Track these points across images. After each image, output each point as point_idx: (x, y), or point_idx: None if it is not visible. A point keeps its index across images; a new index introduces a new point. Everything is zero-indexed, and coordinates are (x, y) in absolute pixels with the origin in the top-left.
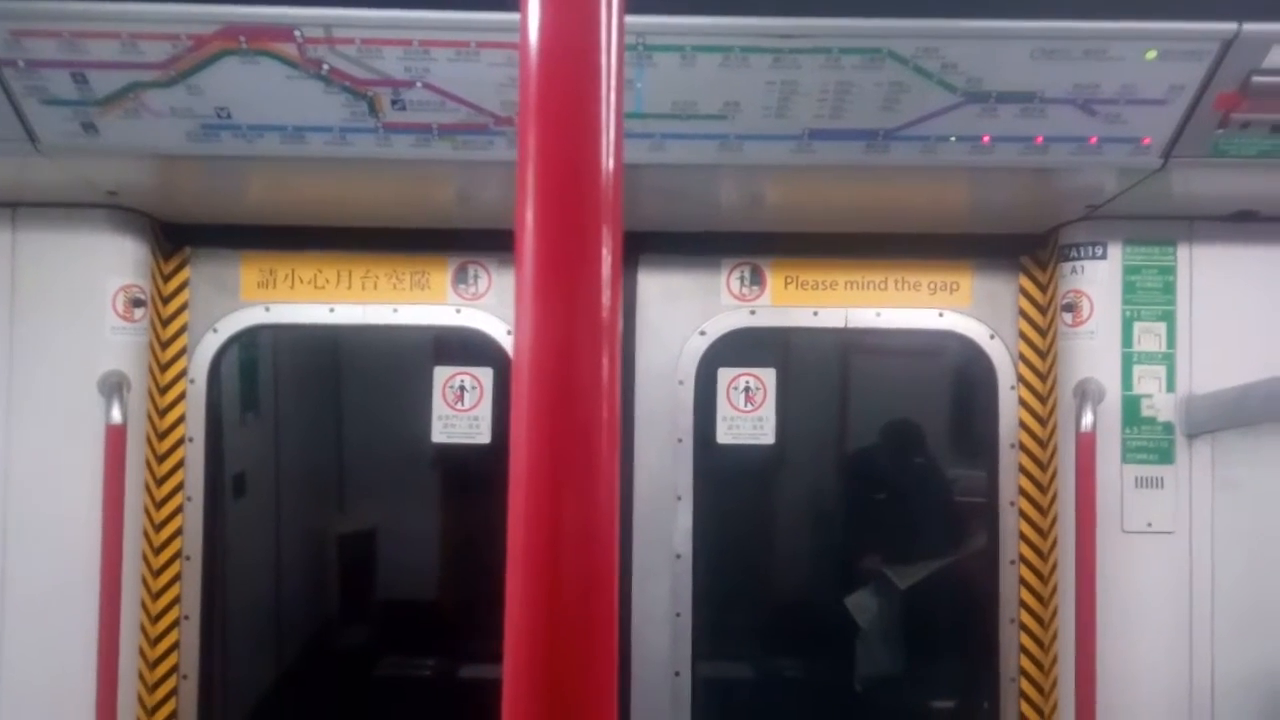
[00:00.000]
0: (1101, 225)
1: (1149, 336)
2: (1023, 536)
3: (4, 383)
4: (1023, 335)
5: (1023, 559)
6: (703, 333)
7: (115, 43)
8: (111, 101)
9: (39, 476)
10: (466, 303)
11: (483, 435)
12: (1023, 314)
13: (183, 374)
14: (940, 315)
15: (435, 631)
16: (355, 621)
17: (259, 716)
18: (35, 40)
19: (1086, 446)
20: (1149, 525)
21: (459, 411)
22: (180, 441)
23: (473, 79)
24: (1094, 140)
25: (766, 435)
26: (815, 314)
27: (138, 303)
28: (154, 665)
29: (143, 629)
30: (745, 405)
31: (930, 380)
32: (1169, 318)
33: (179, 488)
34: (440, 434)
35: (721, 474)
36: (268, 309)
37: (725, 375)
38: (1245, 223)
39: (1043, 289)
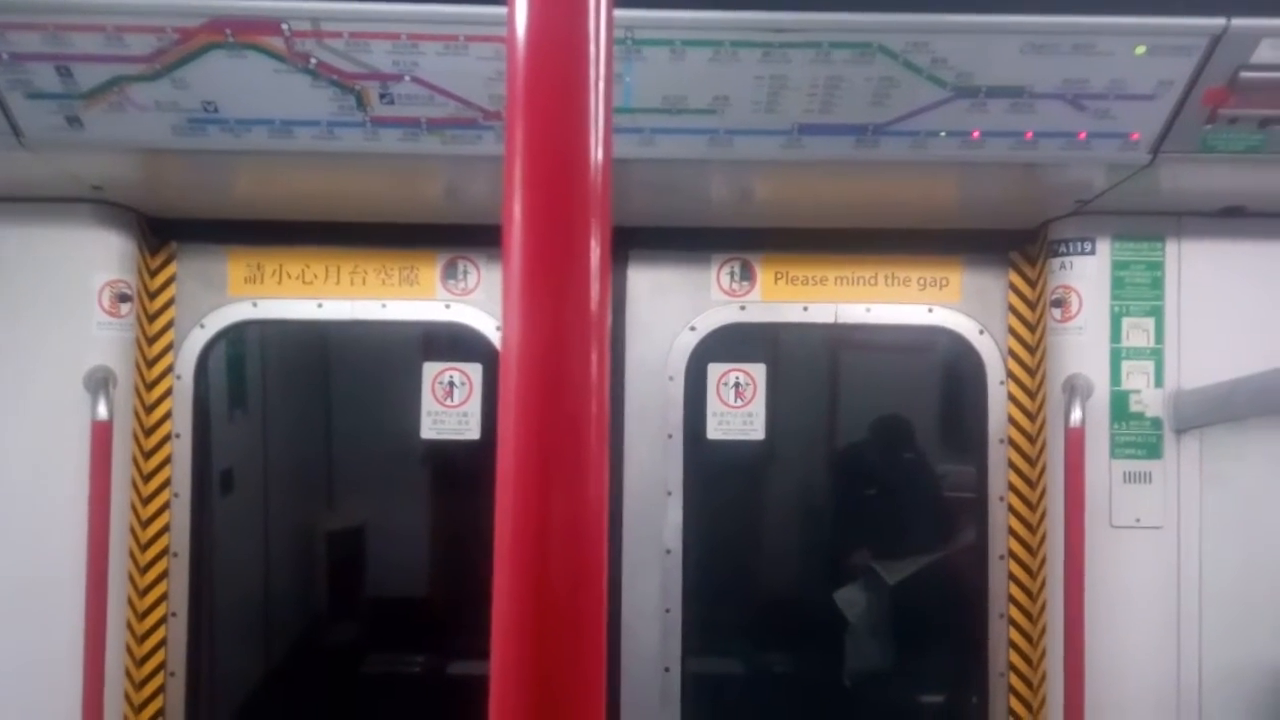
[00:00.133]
0: (1090, 221)
1: (1137, 332)
2: (1012, 532)
3: None
4: (1012, 331)
5: (1012, 554)
6: (693, 328)
7: (100, 36)
8: (96, 95)
9: (24, 472)
10: (456, 298)
11: (472, 431)
12: (1012, 309)
13: (169, 370)
14: (930, 311)
15: (424, 628)
16: (344, 618)
17: (247, 713)
18: (18, 33)
19: (1075, 442)
20: (1137, 520)
21: (448, 407)
22: (167, 438)
23: (461, 73)
24: (1083, 135)
25: (756, 431)
26: (805, 309)
27: (124, 298)
28: (141, 662)
29: (129, 626)
30: (735, 401)
31: (920, 376)
32: (1157, 313)
33: (166, 484)
34: (429, 430)
35: (712, 469)
36: (255, 304)
37: (715, 371)
38: (1233, 218)
39: (1032, 284)
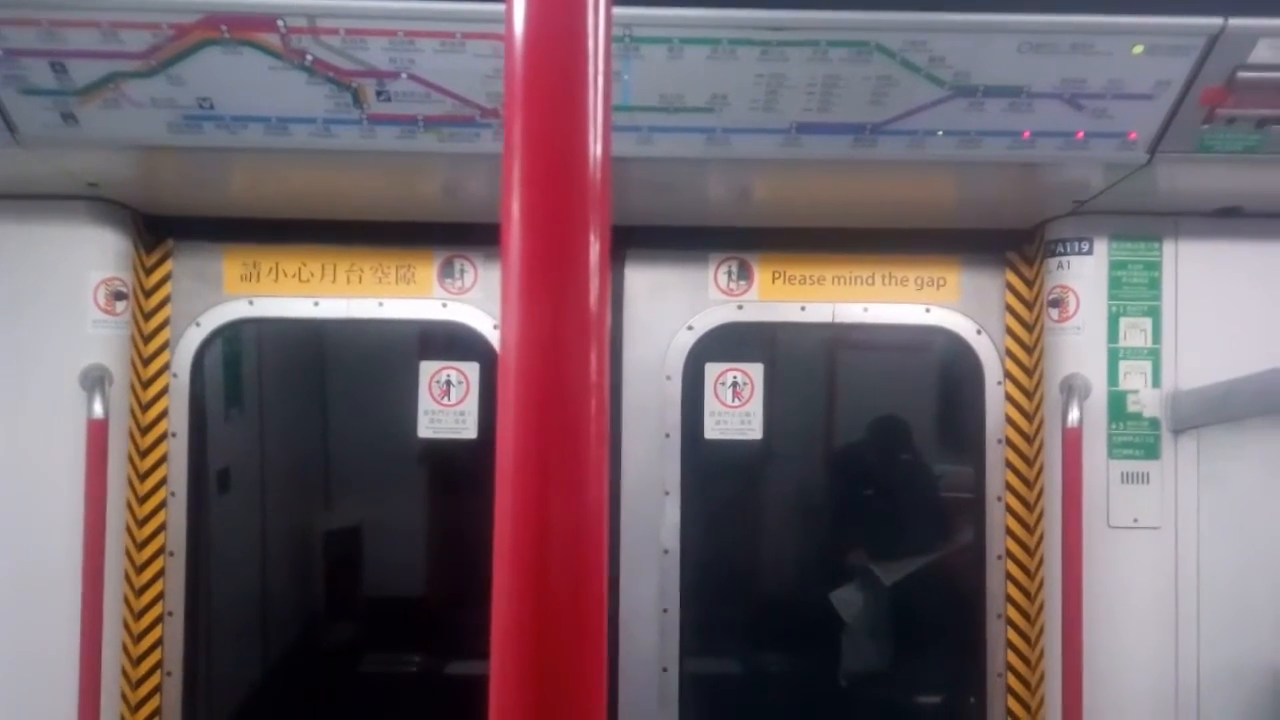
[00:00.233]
0: (1088, 221)
1: (1135, 332)
2: (1009, 532)
3: None
4: (1009, 331)
5: (1009, 554)
6: (690, 327)
7: (95, 31)
8: (91, 91)
9: (19, 471)
10: (453, 297)
11: (469, 430)
12: (1009, 309)
13: (165, 368)
14: (927, 310)
15: (421, 627)
16: (341, 617)
17: (243, 713)
18: (13, 29)
19: (1073, 442)
20: (1135, 520)
21: (445, 406)
22: (163, 436)
23: (459, 70)
24: (1081, 135)
25: (754, 430)
26: (803, 309)
27: (119, 296)
28: (137, 662)
29: (126, 625)
30: (733, 400)
31: (917, 376)
32: (1155, 313)
33: (162, 483)
34: (426, 429)
35: (709, 469)
36: (251, 303)
37: (713, 370)
38: (1230, 218)
39: (1029, 284)
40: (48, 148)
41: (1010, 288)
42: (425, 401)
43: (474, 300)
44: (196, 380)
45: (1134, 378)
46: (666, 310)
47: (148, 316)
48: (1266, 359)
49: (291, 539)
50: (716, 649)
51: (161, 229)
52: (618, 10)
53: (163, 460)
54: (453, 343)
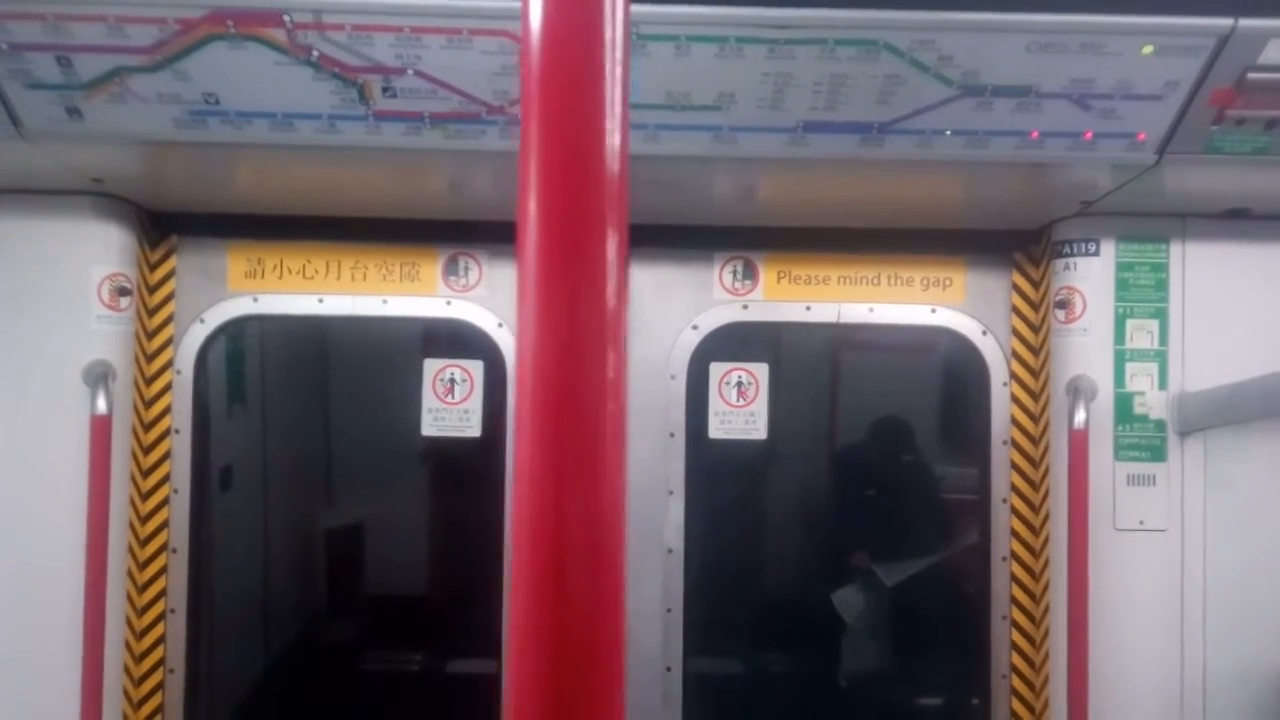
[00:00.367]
0: (1095, 222)
1: (1141, 334)
2: (1014, 533)
3: None
4: (1015, 332)
5: (1014, 556)
6: (695, 327)
7: (101, 26)
8: (97, 86)
9: (22, 467)
10: (457, 295)
11: (473, 428)
12: (1015, 310)
13: (169, 364)
14: (933, 311)
15: (423, 625)
16: (343, 615)
17: (245, 711)
18: (18, 23)
19: (1079, 444)
20: (1141, 523)
21: (449, 404)
22: (166, 433)
23: (465, 67)
24: (1089, 135)
25: (758, 430)
26: (808, 309)
27: (123, 292)
28: (140, 659)
29: (128, 622)
30: (737, 400)
31: (923, 376)
32: (1161, 315)
33: (165, 479)
34: (430, 427)
35: (713, 469)
36: (255, 299)
37: (717, 370)
38: (1238, 220)
39: (1036, 285)
40: (52, 142)
41: (1016, 289)
42: (429, 399)
43: (478, 298)
44: (200, 377)
45: (1140, 379)
46: (671, 309)
47: (152, 312)
48: (1274, 361)
49: (294, 537)
50: (720, 649)
51: (166, 225)
52: None
53: (166, 457)
54: (457, 340)
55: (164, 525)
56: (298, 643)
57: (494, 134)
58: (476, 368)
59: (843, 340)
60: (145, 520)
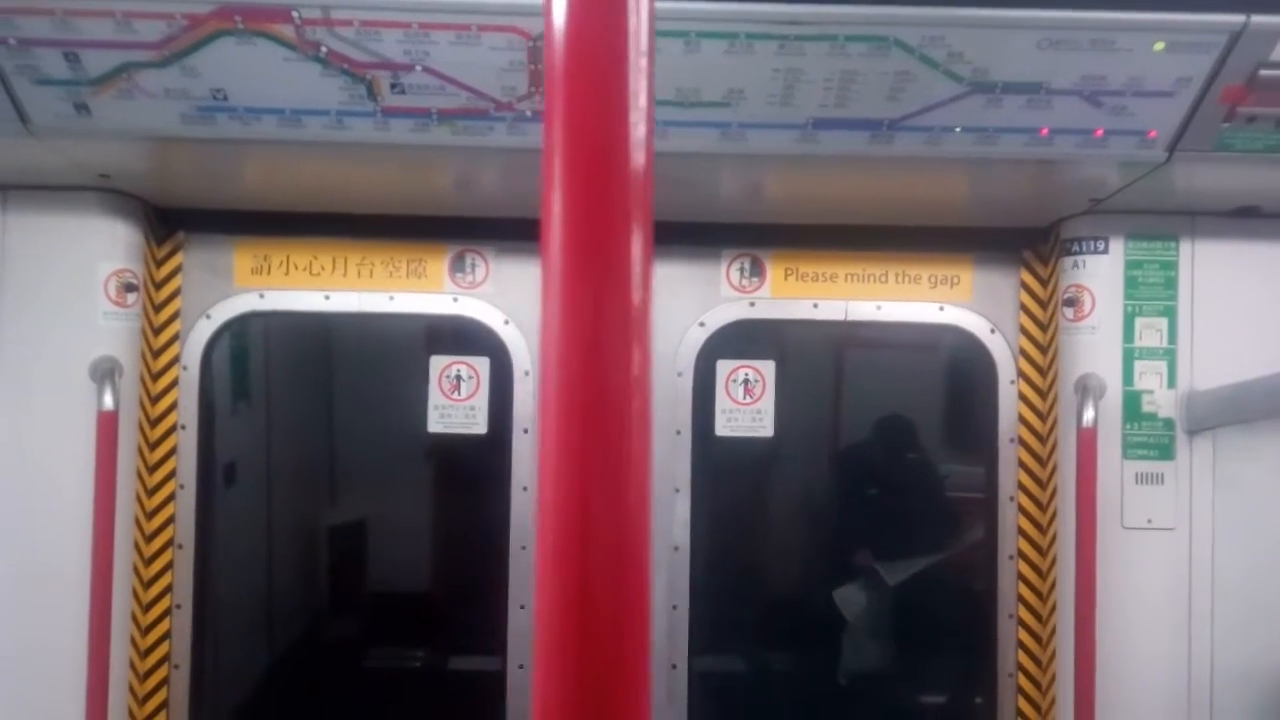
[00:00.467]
0: (1104, 220)
1: (1150, 332)
2: (1022, 532)
3: None
4: (1023, 330)
5: (1021, 554)
6: (702, 324)
7: (109, 22)
8: (104, 82)
9: (30, 462)
10: (463, 291)
11: (479, 425)
12: (1024, 308)
13: (175, 360)
14: (941, 309)
15: (429, 622)
16: (350, 612)
17: (251, 707)
18: (27, 18)
19: (1087, 442)
20: (1149, 521)
21: (455, 401)
22: (173, 429)
23: (473, 63)
24: (1099, 133)
25: (765, 428)
26: (815, 306)
27: (130, 288)
28: (145, 654)
29: (134, 618)
30: (744, 398)
31: (930, 374)
32: (1170, 313)
33: (171, 475)
34: (436, 424)
35: (720, 467)
36: (262, 296)
37: (724, 367)
38: (1247, 218)
39: (1044, 283)
40: (60, 138)
41: (1025, 286)
42: (435, 396)
43: (485, 295)
44: (206, 373)
45: (1149, 378)
46: (678, 306)
47: (158, 309)
48: None
49: (300, 533)
50: (726, 646)
51: (173, 221)
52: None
53: (172, 453)
54: (463, 337)
55: (170, 521)
56: (303, 639)
57: (502, 130)
58: (482, 364)
59: (850, 338)
60: (151, 516)
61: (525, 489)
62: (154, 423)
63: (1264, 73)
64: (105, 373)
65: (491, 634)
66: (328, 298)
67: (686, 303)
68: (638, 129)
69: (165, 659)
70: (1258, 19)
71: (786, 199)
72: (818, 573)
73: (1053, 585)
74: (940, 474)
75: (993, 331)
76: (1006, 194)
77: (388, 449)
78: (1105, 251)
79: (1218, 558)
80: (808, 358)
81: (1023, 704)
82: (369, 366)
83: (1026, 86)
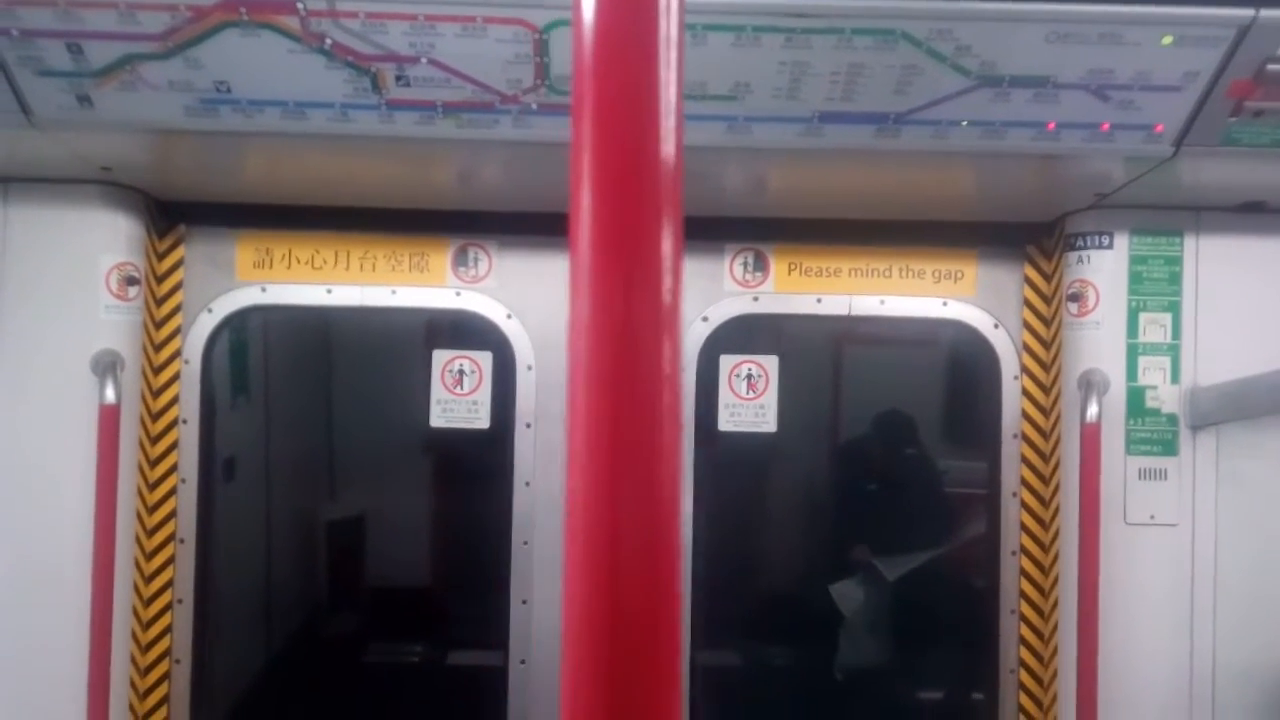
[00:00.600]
0: (1108, 214)
1: (1154, 327)
2: (1024, 527)
3: None
4: (1027, 325)
5: (1024, 550)
6: (705, 319)
7: (112, 13)
8: (107, 74)
9: (31, 456)
10: (466, 285)
11: (482, 420)
12: (1027, 303)
13: (177, 354)
14: (944, 304)
15: (430, 617)
16: (351, 607)
17: (252, 702)
18: (29, 9)
19: (1091, 437)
20: (1152, 517)
21: (458, 396)
22: (174, 423)
23: (479, 56)
24: (1106, 127)
25: (768, 423)
26: (819, 301)
27: (132, 281)
28: (146, 649)
29: (135, 613)
30: (747, 393)
31: (933, 369)
32: (1174, 309)
33: (172, 469)
34: (438, 418)
35: (723, 461)
36: (264, 289)
37: (727, 362)
38: (1252, 214)
39: (1048, 278)
40: (62, 130)
41: (1028, 281)
42: (438, 391)
43: (487, 289)
44: (208, 367)
45: (1153, 373)
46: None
47: (160, 302)
48: None
49: (302, 528)
50: (728, 641)
51: (175, 214)
52: None
53: (173, 447)
54: (466, 331)
55: (171, 515)
56: (304, 634)
57: (507, 123)
58: (485, 359)
59: (853, 333)
60: (153, 510)
61: (528, 484)
62: (155, 417)
63: (1271, 67)
64: (107, 366)
65: (493, 629)
66: (330, 292)
67: (689, 297)
68: (667, 121)
69: (166, 654)
70: (1266, 13)
71: (791, 193)
72: (821, 568)
73: (1055, 581)
74: (943, 469)
75: (996, 326)
76: (1011, 188)
77: (390, 443)
78: (1110, 247)
79: (1221, 554)
80: (811, 352)
81: (1024, 700)
82: (371, 361)
83: (1034, 80)
